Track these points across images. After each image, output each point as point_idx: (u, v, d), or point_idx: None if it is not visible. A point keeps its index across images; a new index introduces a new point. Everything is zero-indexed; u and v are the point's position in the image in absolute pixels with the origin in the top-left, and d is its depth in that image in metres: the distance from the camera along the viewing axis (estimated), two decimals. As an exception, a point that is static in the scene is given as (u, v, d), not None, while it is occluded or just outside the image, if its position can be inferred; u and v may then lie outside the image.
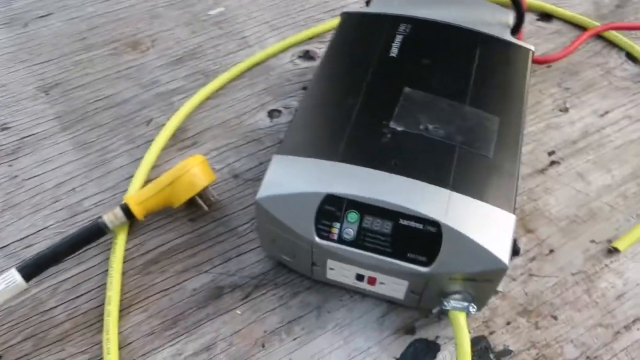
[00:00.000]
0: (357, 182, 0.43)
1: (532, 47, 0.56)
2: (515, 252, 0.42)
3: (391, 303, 0.48)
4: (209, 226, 0.53)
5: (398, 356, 0.46)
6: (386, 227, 0.42)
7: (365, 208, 0.43)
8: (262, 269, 0.50)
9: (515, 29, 0.58)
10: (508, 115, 0.49)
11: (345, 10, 0.59)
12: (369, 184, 0.43)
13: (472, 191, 0.43)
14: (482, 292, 0.44)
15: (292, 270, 0.50)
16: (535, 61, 0.62)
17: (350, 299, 0.49)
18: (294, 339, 0.46)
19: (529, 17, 0.74)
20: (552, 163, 0.58)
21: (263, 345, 0.46)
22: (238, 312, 0.48)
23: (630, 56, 0.69)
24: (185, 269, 0.50)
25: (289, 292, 0.49)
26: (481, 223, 0.42)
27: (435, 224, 0.41)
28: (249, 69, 0.67)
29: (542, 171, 0.58)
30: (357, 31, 0.57)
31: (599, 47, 0.71)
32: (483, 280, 0.42)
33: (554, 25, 0.74)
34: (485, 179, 0.45)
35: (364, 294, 0.49)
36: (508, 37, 0.56)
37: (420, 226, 0.42)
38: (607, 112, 0.63)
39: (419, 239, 0.42)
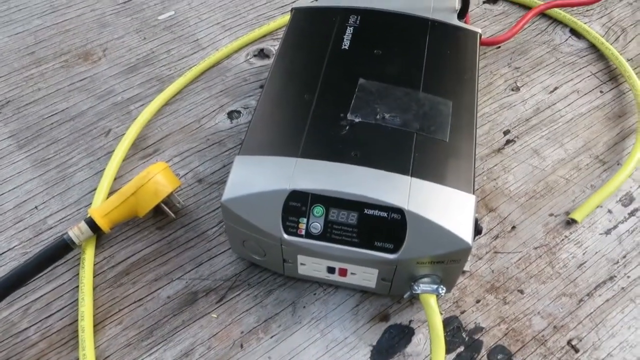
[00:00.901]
0: (320, 176, 0.44)
1: (479, 30, 0.57)
2: (477, 231, 0.43)
3: (364, 292, 0.49)
4: (178, 232, 0.53)
5: (374, 343, 0.47)
6: (352, 218, 0.43)
7: (329, 201, 0.43)
8: (234, 271, 0.51)
9: (462, 13, 0.59)
10: (461, 98, 0.51)
11: (295, 5, 0.59)
12: (332, 177, 0.44)
13: (432, 176, 0.44)
14: (450, 273, 0.45)
15: (264, 269, 0.50)
16: (483, 43, 0.64)
17: (324, 292, 0.50)
18: (272, 337, 0.47)
19: (475, 0, 0.76)
20: (508, 142, 0.60)
21: (241, 346, 0.46)
22: (214, 315, 0.48)
23: (574, 32, 0.72)
24: (158, 277, 0.50)
25: (263, 291, 0.49)
26: (443, 206, 0.43)
27: (399, 211, 0.42)
28: (205, 71, 0.67)
29: (499, 150, 0.59)
30: (308, 26, 0.57)
31: (544, 25, 0.73)
32: (449, 261, 0.43)
33: (500, 7, 0.75)
34: (444, 163, 0.46)
35: (337, 286, 0.49)
36: (455, 21, 0.57)
37: (385, 214, 0.43)
38: (556, 88, 0.65)
39: (384, 227, 0.43)
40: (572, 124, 0.62)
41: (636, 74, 0.66)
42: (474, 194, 0.44)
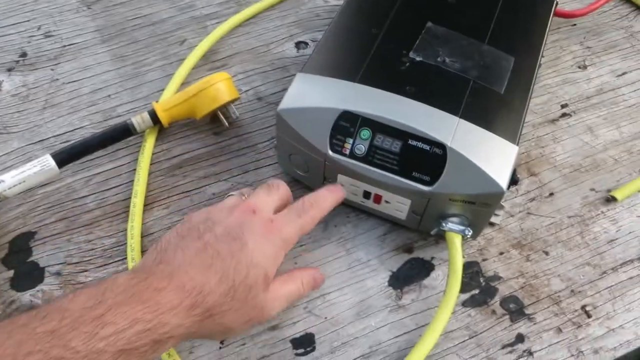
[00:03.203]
0: (372, 103, 0.46)
1: (556, -1, 0.57)
2: (514, 181, 0.45)
3: (394, 224, 0.52)
4: (232, 140, 0.57)
5: (394, 270, 0.49)
6: (395, 146, 0.45)
7: (377, 126, 0.46)
8: (277, 183, 0.54)
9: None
10: (524, 57, 0.52)
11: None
12: (383, 105, 0.46)
13: (480, 120, 0.46)
14: (479, 217, 0.47)
15: (305, 186, 0.53)
16: (558, 14, 0.63)
17: (357, 217, 0.52)
18: (300, 245, 0.50)
19: (562, -23, 0.75)
20: (564, 115, 0.61)
21: (271, 248, 0.50)
22: (251, 217, 0.52)
23: (657, 22, 0.70)
24: (207, 175, 0.54)
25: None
26: (485, 150, 0.45)
27: (442, 146, 0.44)
28: (282, 1, 0.69)
29: (553, 121, 0.60)
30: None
31: (626, 10, 0.72)
32: (481, 204, 0.45)
33: (585, -14, 0.74)
34: (494, 112, 0.47)
35: (369, 213, 0.52)
36: (535, -13, 0.58)
37: (427, 147, 0.45)
38: (624, 73, 0.65)
39: (424, 159, 0.45)
40: (634, 109, 0.61)
41: None
42: (517, 145, 0.46)
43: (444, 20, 0.53)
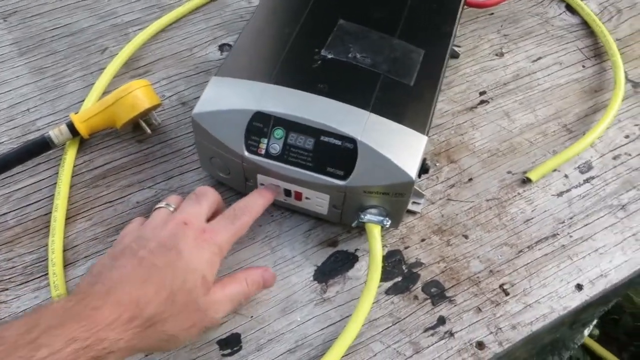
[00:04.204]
0: (285, 102, 0.47)
1: (465, -12, 0.59)
2: (424, 170, 0.46)
3: (318, 219, 0.53)
4: (155, 147, 0.57)
5: (319, 264, 0.50)
6: (309, 143, 0.46)
7: (290, 125, 0.46)
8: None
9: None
10: (433, 49, 0.53)
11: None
12: (295, 104, 0.47)
13: (390, 114, 0.47)
14: (396, 207, 0.48)
15: (229, 188, 0.54)
16: (470, 4, 0.65)
17: (281, 215, 0.53)
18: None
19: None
20: (482, 102, 0.63)
21: (197, 252, 0.50)
22: (176, 222, 0.52)
23: (569, 7, 0.73)
24: (130, 184, 0.54)
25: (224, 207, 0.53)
26: (395, 141, 0.46)
27: (352, 140, 0.45)
28: (205, 4, 0.70)
29: (471, 109, 0.62)
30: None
31: (541, -3, 0.74)
32: (394, 194, 0.46)
33: (502, -24, 0.76)
34: (404, 104, 0.49)
35: (293, 211, 0.53)
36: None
37: (339, 143, 0.46)
38: (539, 58, 0.67)
39: (337, 154, 0.46)
40: (548, 93, 0.64)
41: (622, 54, 0.68)
42: (427, 135, 0.47)
43: (356, 17, 0.54)
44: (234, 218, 0.45)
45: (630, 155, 0.59)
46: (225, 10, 0.69)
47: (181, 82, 0.62)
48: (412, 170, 0.45)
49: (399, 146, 0.46)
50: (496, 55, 0.67)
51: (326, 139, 0.46)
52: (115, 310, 0.35)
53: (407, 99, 0.49)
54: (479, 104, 0.62)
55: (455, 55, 0.66)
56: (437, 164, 0.57)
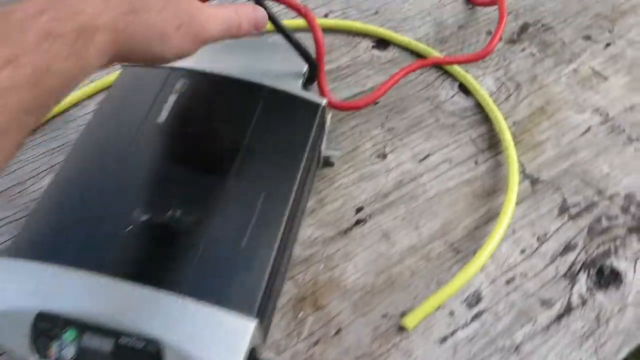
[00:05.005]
0: (77, 295, 0.38)
1: (323, 101, 0.51)
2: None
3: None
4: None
5: None
6: (106, 345, 0.38)
7: (82, 325, 0.38)
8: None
9: (310, 80, 0.53)
10: (277, 191, 0.45)
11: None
12: (90, 296, 0.38)
13: (207, 295, 0.39)
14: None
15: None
16: (339, 107, 0.57)
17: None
18: None
19: (365, 44, 0.70)
20: (358, 222, 0.55)
21: None
22: None
23: (463, 87, 0.65)
24: None
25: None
26: (211, 334, 0.38)
27: (155, 342, 0.37)
28: (47, 120, 0.61)
29: (345, 232, 0.54)
30: (130, 90, 0.51)
31: (433, 77, 0.67)
32: (218, 398, 0.38)
33: (390, 54, 0.69)
34: (227, 278, 0.40)
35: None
36: (298, 89, 0.51)
37: (140, 345, 0.37)
38: (427, 156, 0.59)
39: (140, 359, 0.37)
40: (434, 201, 0.56)
41: (519, 141, 0.61)
42: (257, 316, 0.39)
43: (184, 157, 0.46)
44: None
45: (526, 276, 0.52)
46: (69, 127, 0.61)
47: (7, 228, 0.53)
48: (234, 374, 0.37)
49: (217, 340, 0.37)
50: (378, 157, 0.59)
51: (126, 340, 0.37)
52: None
53: (232, 271, 0.41)
54: (354, 224, 0.54)
55: (330, 164, 0.58)
56: (301, 314, 0.49)
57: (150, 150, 0.46)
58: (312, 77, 0.52)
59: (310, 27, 0.51)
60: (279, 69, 0.52)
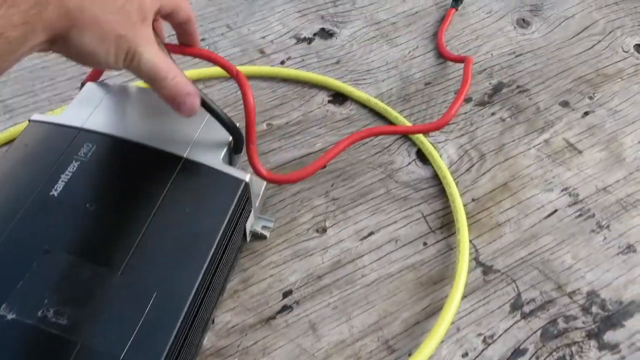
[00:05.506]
0: None
1: (245, 177, 0.45)
2: None
3: None
4: None
5: None
6: None
7: None
8: None
9: (237, 150, 0.47)
10: (175, 287, 0.39)
11: (34, 116, 0.48)
12: None
13: None
14: None
15: None
16: (268, 180, 0.50)
17: None
18: None
19: (321, 98, 0.64)
20: (284, 308, 0.49)
21: None
22: None
23: (421, 154, 0.60)
24: None
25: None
26: None
27: None
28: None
29: (267, 321, 0.48)
30: (31, 150, 0.45)
31: (390, 139, 0.61)
32: None
33: (346, 110, 0.63)
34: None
35: None
36: (218, 162, 0.45)
37: None
38: (371, 234, 0.54)
39: None
40: (373, 288, 0.50)
41: (476, 220, 0.55)
42: None
43: (72, 241, 0.40)
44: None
45: (465, 387, 0.46)
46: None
47: None
48: None
49: None
50: (317, 231, 0.54)
51: None
52: None
53: (104, 388, 0.35)
54: (279, 311, 0.49)
55: (262, 236, 0.52)
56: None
57: (33, 229, 0.40)
58: (238, 148, 0.47)
59: (242, 92, 0.46)
60: (201, 138, 0.46)
